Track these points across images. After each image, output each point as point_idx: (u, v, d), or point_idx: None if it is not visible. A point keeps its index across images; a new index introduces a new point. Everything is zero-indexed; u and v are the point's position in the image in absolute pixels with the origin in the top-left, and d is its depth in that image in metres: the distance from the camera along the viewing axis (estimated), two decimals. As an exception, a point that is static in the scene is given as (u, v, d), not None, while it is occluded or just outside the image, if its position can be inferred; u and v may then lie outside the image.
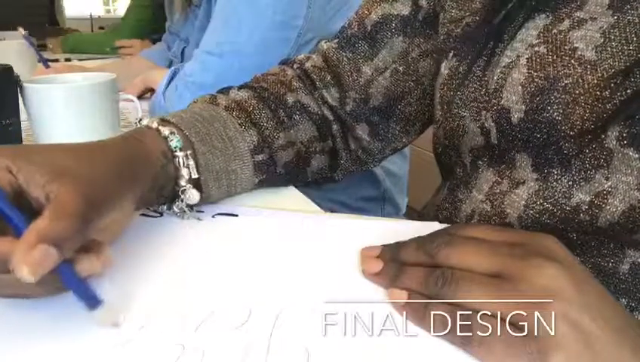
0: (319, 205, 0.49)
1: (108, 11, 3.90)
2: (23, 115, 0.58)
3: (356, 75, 0.54)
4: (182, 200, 0.43)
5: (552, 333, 0.25)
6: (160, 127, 0.42)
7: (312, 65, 0.56)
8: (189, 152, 0.42)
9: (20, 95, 0.57)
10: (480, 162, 0.43)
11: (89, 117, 0.59)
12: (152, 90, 0.94)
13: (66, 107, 0.58)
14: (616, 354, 0.25)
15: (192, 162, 0.42)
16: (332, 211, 0.51)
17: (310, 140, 0.53)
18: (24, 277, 0.25)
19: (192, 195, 0.42)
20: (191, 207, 0.43)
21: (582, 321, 0.26)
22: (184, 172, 0.42)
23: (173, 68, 0.87)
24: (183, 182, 0.42)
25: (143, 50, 1.33)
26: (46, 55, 1.54)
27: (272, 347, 0.27)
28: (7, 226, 0.28)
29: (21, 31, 1.10)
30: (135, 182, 0.36)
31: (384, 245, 0.35)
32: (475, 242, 0.32)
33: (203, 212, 0.44)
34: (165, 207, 0.44)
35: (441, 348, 0.28)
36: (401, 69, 0.53)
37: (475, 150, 0.43)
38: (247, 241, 0.40)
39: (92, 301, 0.28)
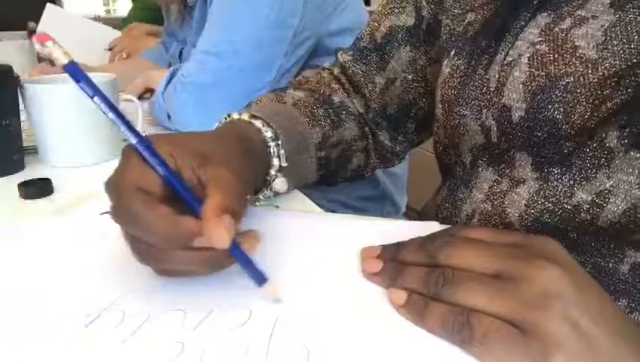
0: (319, 205, 0.49)
1: (108, 11, 3.89)
2: (22, 115, 0.58)
3: (371, 86, 0.57)
4: (270, 188, 0.45)
5: (553, 334, 0.25)
6: (252, 120, 0.45)
7: (338, 72, 0.60)
8: (279, 142, 0.45)
9: (19, 95, 0.57)
10: (480, 161, 0.43)
11: (89, 117, 0.59)
12: (152, 91, 0.94)
13: (66, 107, 0.58)
14: (615, 355, 0.25)
15: (282, 151, 0.45)
16: (332, 211, 0.51)
17: (353, 139, 0.56)
18: (219, 242, 0.28)
19: (280, 183, 0.45)
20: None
21: (582, 322, 0.26)
22: (275, 161, 0.45)
23: (172, 68, 0.87)
24: (273, 171, 0.45)
25: (142, 51, 1.33)
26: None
27: (272, 347, 0.27)
28: (182, 206, 0.30)
29: (32, 26, 1.10)
30: (251, 167, 0.39)
31: (384, 245, 0.35)
32: (476, 243, 0.32)
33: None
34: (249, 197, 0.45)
35: (441, 348, 0.28)
36: (410, 77, 0.55)
37: (475, 149, 0.43)
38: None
39: (259, 277, 0.32)
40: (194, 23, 1.01)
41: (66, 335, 0.28)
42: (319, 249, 0.38)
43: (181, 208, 0.30)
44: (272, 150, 0.44)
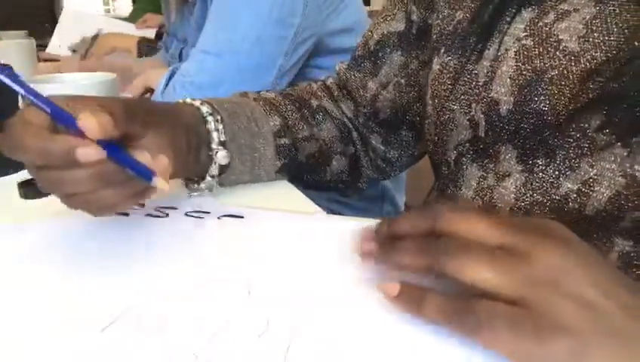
0: (319, 204, 0.49)
1: (108, 11, 3.89)
2: (22, 115, 0.58)
3: (363, 92, 0.59)
4: (214, 163, 0.47)
5: (562, 313, 0.25)
6: (193, 102, 0.48)
7: (331, 82, 0.62)
8: (218, 117, 0.47)
9: (20, 95, 0.57)
10: (464, 159, 0.44)
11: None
12: (152, 91, 0.94)
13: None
14: (630, 332, 0.24)
15: (220, 126, 0.47)
16: (332, 211, 0.51)
17: (332, 140, 0.57)
18: (89, 128, 0.32)
19: (222, 155, 0.47)
20: (218, 176, 0.48)
21: (593, 299, 0.25)
22: (214, 135, 0.46)
23: (171, 68, 0.87)
24: (214, 145, 0.46)
25: (109, 52, 1.32)
26: (46, 55, 1.53)
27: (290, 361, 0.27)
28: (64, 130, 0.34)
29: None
30: (168, 125, 0.41)
31: (381, 220, 0.33)
32: (481, 214, 0.29)
33: (209, 213, 0.44)
34: (198, 184, 0.48)
35: (447, 346, 0.27)
36: (402, 81, 0.56)
37: (460, 146, 0.44)
38: (256, 245, 0.39)
39: (146, 174, 0.35)
40: (193, 22, 1.01)
41: (77, 340, 0.28)
42: (321, 251, 0.38)
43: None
44: (210, 125, 0.46)
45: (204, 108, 0.47)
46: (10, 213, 0.48)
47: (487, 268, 0.26)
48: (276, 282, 0.34)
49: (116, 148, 0.34)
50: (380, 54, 0.57)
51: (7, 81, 0.34)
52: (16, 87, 0.35)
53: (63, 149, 0.32)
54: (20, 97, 0.57)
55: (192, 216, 0.44)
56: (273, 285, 0.34)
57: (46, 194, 0.51)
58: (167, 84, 0.84)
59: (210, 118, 0.46)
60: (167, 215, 0.44)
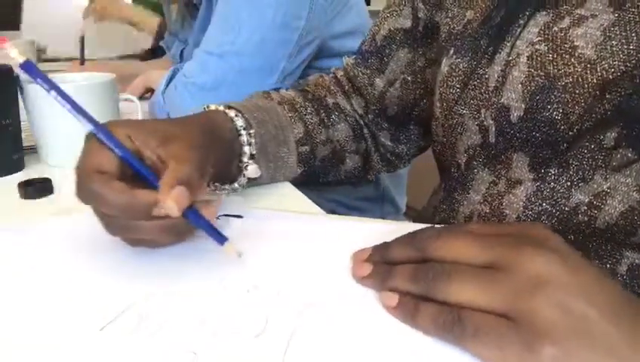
0: (319, 205, 0.48)
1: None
2: (22, 115, 0.58)
3: (371, 89, 0.58)
4: (243, 175, 0.47)
5: (543, 321, 0.25)
6: (226, 110, 0.47)
7: (341, 75, 0.62)
8: (251, 132, 0.47)
9: (19, 95, 0.57)
10: (475, 162, 0.43)
11: (89, 117, 0.59)
12: (152, 91, 0.94)
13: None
14: (614, 338, 0.24)
15: (253, 140, 0.47)
16: (332, 211, 0.51)
17: (345, 140, 0.58)
18: (170, 210, 0.31)
19: (253, 170, 0.47)
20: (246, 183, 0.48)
21: (575, 306, 0.25)
22: (246, 149, 0.47)
23: (172, 68, 0.87)
24: (245, 159, 0.47)
25: (112, 15, 1.32)
26: (46, 55, 1.53)
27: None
28: (141, 182, 0.34)
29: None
30: (215, 150, 0.40)
31: (374, 246, 0.34)
32: (466, 234, 0.30)
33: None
34: (226, 186, 0.48)
35: (448, 347, 0.27)
36: (409, 78, 0.56)
37: (471, 150, 0.43)
38: (256, 245, 0.39)
39: (219, 237, 0.35)
40: (197, 22, 1.01)
41: (80, 338, 0.28)
42: (321, 251, 0.38)
43: (143, 184, 0.33)
44: (243, 138, 0.46)
45: (239, 123, 0.47)
46: (10, 213, 0.48)
47: (472, 290, 0.27)
48: (275, 281, 0.34)
49: (191, 209, 0.33)
50: (387, 51, 0.56)
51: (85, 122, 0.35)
52: (89, 126, 0.35)
53: (145, 206, 0.32)
54: (19, 96, 0.57)
55: None
56: (272, 284, 0.34)
57: (46, 195, 0.51)
58: (167, 84, 0.84)
59: (243, 132, 0.46)
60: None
